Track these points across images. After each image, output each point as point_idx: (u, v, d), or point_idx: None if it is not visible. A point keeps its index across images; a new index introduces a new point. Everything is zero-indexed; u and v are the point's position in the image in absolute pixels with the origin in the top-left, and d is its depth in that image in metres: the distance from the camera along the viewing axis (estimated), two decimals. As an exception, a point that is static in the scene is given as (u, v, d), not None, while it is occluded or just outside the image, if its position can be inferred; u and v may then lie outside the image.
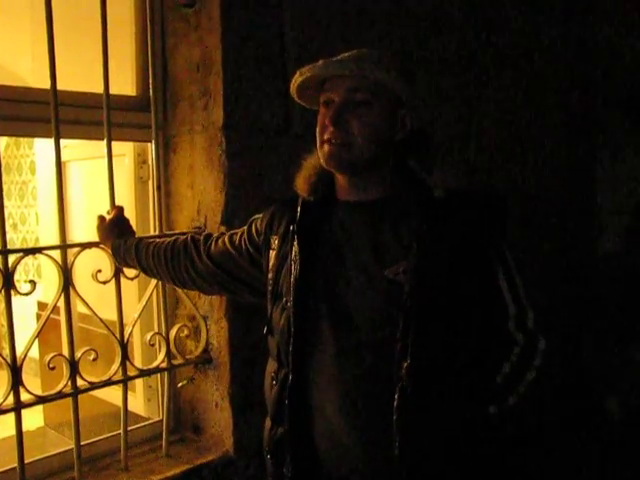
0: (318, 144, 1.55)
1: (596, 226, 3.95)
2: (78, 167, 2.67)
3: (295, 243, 1.58)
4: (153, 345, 2.23)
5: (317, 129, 1.55)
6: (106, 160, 2.07)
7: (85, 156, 2.65)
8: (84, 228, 2.63)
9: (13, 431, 1.92)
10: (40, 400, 1.96)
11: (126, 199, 2.32)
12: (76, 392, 2.00)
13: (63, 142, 2.09)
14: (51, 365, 1.98)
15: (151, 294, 2.21)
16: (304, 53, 2.39)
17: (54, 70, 1.94)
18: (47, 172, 3.07)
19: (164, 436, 2.26)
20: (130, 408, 2.33)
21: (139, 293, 2.35)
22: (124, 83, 2.28)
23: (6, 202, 1.95)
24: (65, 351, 2.04)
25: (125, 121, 2.23)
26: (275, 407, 1.62)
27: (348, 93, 1.48)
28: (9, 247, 1.86)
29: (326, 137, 1.50)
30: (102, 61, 2.04)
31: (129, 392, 2.19)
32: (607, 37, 3.73)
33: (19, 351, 1.88)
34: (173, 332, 2.25)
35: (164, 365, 2.23)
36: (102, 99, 2.08)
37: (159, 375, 2.33)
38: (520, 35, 3.43)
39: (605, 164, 3.89)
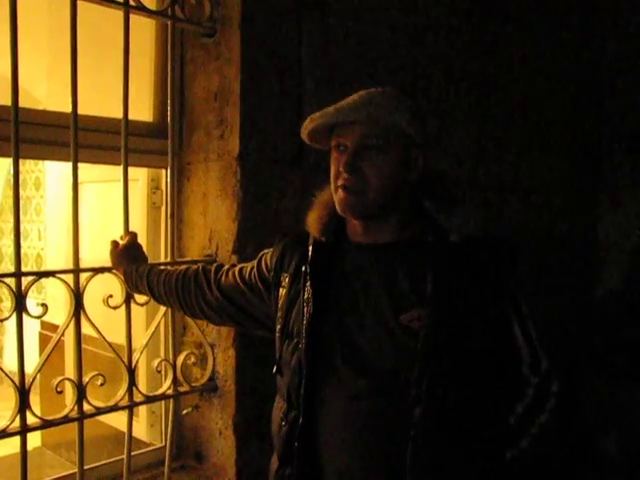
0: (332, 189, 1.55)
1: (596, 262, 3.97)
2: (89, 189, 2.68)
3: (308, 285, 1.57)
4: (160, 371, 2.23)
5: (331, 173, 1.55)
6: (121, 186, 2.08)
7: (97, 178, 2.66)
8: (93, 250, 2.64)
9: (11, 450, 1.91)
10: (46, 424, 1.95)
11: (138, 224, 2.33)
12: (82, 417, 1.99)
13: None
14: (59, 389, 1.98)
15: (160, 320, 2.21)
16: (320, 87, 2.42)
17: (75, 95, 1.96)
18: (57, 191, 3.08)
19: (166, 463, 2.25)
20: (132, 433, 2.33)
21: (146, 318, 2.35)
22: (141, 109, 2.31)
23: (9, 217, 1.96)
24: (70, 374, 2.04)
25: (141, 147, 2.25)
26: (284, 447, 1.60)
27: (361, 139, 1.48)
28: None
29: (340, 183, 1.50)
30: (122, 87, 2.05)
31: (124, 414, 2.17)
32: (613, 78, 3.77)
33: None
34: (180, 359, 2.25)
35: (170, 392, 2.22)
36: (119, 124, 2.09)
37: (163, 401, 2.33)
38: (530, 79, 3.47)
39: (608, 201, 3.92)
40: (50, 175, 3.43)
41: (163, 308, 2.21)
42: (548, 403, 1.50)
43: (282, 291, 1.67)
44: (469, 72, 3.09)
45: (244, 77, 2.20)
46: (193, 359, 2.30)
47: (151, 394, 2.20)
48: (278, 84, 2.31)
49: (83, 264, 2.04)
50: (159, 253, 2.36)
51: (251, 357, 2.25)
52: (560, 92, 3.69)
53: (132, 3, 2.06)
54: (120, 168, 2.10)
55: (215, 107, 2.27)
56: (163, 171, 2.37)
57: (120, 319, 2.12)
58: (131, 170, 2.22)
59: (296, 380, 1.56)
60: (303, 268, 1.61)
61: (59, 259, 2.92)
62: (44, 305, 1.96)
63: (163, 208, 2.38)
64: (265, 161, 2.28)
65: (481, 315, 1.48)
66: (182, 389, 2.25)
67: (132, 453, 2.20)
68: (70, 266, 2.00)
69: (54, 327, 2.04)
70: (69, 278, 1.98)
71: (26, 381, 1.88)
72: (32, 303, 1.88)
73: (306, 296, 1.57)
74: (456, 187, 1.65)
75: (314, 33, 2.40)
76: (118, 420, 2.24)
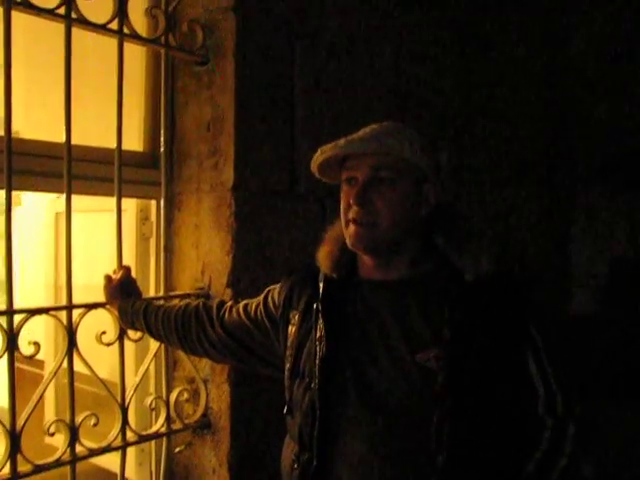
0: (343, 223, 1.51)
1: (568, 288, 4.02)
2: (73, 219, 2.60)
3: (320, 323, 1.53)
4: (153, 409, 2.16)
5: (341, 207, 1.52)
6: (108, 217, 2.04)
7: (80, 208, 2.58)
8: (76, 283, 2.55)
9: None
10: (37, 469, 1.86)
11: (126, 256, 2.24)
12: (75, 459, 1.91)
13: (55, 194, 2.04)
14: (51, 431, 1.89)
15: (153, 356, 2.14)
16: (311, 116, 2.40)
17: (69, 125, 1.90)
18: (31, 219, 2.98)
19: (159, 505, 2.18)
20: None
21: (135, 354, 2.27)
22: (130, 138, 2.24)
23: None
24: (50, 412, 1.95)
25: (130, 177, 2.18)
26: None
27: (372, 171, 1.46)
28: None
29: (351, 217, 1.47)
30: (116, 117, 2.01)
31: (117, 454, 2.09)
32: (586, 108, 3.84)
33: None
34: (173, 396, 2.18)
35: (163, 430, 2.15)
36: (107, 154, 2.05)
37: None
38: (504, 114, 3.51)
39: (579, 227, 3.98)
40: (27, 210, 3.31)
41: (155, 344, 2.14)
42: (566, 447, 1.47)
43: (291, 329, 1.63)
44: (451, 101, 3.10)
45: (239, 106, 2.16)
46: (186, 395, 2.23)
47: (144, 433, 2.13)
48: (271, 113, 2.28)
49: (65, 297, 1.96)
50: (148, 286, 2.29)
51: (246, 393, 2.20)
52: (535, 121, 3.75)
53: (126, 31, 2.01)
54: (104, 198, 2.05)
55: (208, 137, 2.23)
56: (152, 201, 2.31)
57: (108, 354, 2.05)
58: (124, 200, 2.17)
59: (309, 421, 1.51)
60: (314, 305, 1.57)
61: (40, 297, 2.80)
62: (36, 344, 1.87)
63: (152, 240, 2.31)
64: (259, 192, 2.24)
65: (498, 354, 1.44)
66: (175, 426, 2.18)
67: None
68: (52, 299, 1.93)
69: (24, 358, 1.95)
70: (61, 314, 1.91)
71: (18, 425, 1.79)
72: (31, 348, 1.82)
73: (318, 334, 1.53)
74: (467, 222, 1.61)
75: (306, 63, 2.38)
76: (105, 458, 2.15)
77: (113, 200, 2.08)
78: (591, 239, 3.89)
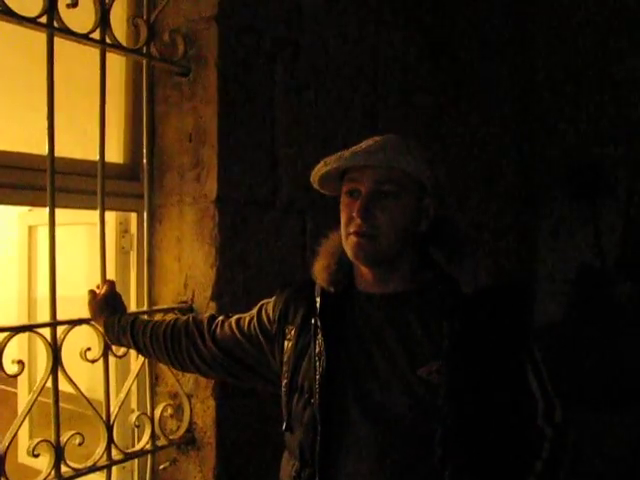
0: (343, 235, 1.50)
1: (535, 296, 4.08)
2: (45, 233, 2.53)
3: (319, 338, 1.51)
4: (138, 426, 2.11)
5: (342, 219, 1.51)
6: (93, 231, 1.99)
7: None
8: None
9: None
10: (23, 491, 1.81)
11: (100, 263, 2.20)
12: (60, 481, 1.86)
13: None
14: (36, 452, 1.83)
15: (137, 372, 2.10)
16: (292, 126, 2.39)
17: (52, 137, 1.86)
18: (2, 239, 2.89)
19: (144, 524, 2.13)
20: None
21: (116, 369, 2.22)
22: (110, 150, 2.19)
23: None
24: (25, 430, 1.88)
25: (110, 189, 2.13)
26: None
27: (375, 185, 1.45)
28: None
29: (353, 230, 1.46)
30: (99, 129, 1.97)
31: (100, 473, 2.03)
32: (552, 119, 3.92)
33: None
34: (158, 412, 2.14)
35: (149, 447, 2.10)
36: (87, 166, 2.01)
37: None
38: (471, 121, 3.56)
39: (545, 234, 4.05)
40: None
41: (136, 360, 2.10)
42: (565, 457, 1.49)
43: (287, 344, 1.61)
44: (424, 113, 3.13)
45: (222, 117, 2.14)
46: (170, 411, 2.19)
47: (129, 450, 2.08)
48: (252, 124, 2.26)
49: (41, 313, 1.91)
50: (129, 300, 2.23)
51: (232, 408, 2.17)
52: (503, 132, 3.80)
53: (108, 41, 1.97)
54: (78, 211, 2.00)
55: (189, 148, 2.20)
56: (132, 214, 2.26)
57: (85, 370, 2.00)
58: (96, 213, 2.12)
59: (310, 437, 1.49)
60: (312, 320, 1.55)
61: (7, 306, 2.72)
62: (20, 362, 1.82)
63: (132, 253, 2.27)
64: (241, 204, 2.22)
65: (498, 366, 1.45)
66: (160, 443, 2.14)
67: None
68: (25, 315, 1.88)
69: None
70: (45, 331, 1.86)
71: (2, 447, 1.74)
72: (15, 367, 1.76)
73: (317, 350, 1.51)
74: (463, 235, 1.62)
75: (286, 73, 2.37)
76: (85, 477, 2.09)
77: (88, 213, 2.03)
78: (557, 246, 3.96)
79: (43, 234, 2.52)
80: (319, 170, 1.52)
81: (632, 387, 3.66)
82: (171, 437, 2.17)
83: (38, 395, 1.84)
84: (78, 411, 2.42)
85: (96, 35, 1.94)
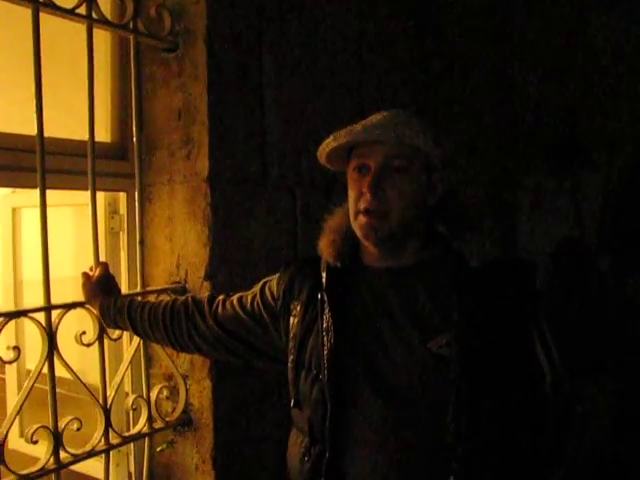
0: (352, 214, 1.48)
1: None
2: (29, 214, 2.47)
3: (327, 313, 1.50)
4: (135, 409, 2.08)
5: (350, 196, 1.49)
6: (89, 212, 1.94)
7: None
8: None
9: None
10: (21, 479, 1.77)
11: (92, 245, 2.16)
12: (59, 467, 1.83)
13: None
14: (34, 439, 1.80)
15: (132, 355, 2.07)
16: (281, 101, 2.35)
17: (41, 118, 1.81)
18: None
19: (143, 506, 2.12)
20: (95, 473, 2.17)
21: (109, 352, 2.18)
22: (97, 129, 2.15)
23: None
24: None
25: (99, 169, 2.08)
26: None
27: (385, 160, 1.44)
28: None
29: (363, 206, 1.44)
30: (87, 107, 1.91)
31: (98, 457, 2.01)
32: (533, 89, 3.92)
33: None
34: (154, 394, 2.11)
35: (145, 430, 2.08)
36: (75, 146, 1.97)
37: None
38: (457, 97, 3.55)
39: (525, 207, 4.06)
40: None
41: (133, 342, 2.07)
42: (574, 426, 1.50)
43: (293, 320, 1.59)
44: (408, 86, 3.11)
45: (212, 94, 2.10)
46: (166, 393, 2.17)
47: (126, 434, 2.05)
48: (243, 99, 2.22)
49: (28, 297, 1.86)
50: (120, 282, 2.18)
51: (228, 387, 2.15)
52: (485, 101, 3.79)
53: (95, 16, 1.91)
54: (63, 192, 1.95)
55: (179, 126, 2.15)
56: (121, 194, 2.22)
57: (79, 354, 1.97)
58: (85, 193, 2.07)
59: (319, 413, 1.48)
60: (319, 296, 1.54)
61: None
62: (16, 348, 1.78)
63: (122, 234, 2.23)
64: (233, 181, 2.19)
65: (507, 338, 1.45)
66: (156, 425, 2.11)
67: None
68: (11, 299, 1.84)
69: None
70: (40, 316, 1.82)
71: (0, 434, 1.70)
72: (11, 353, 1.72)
73: (325, 325, 1.50)
74: (469, 209, 1.61)
75: (275, 47, 2.33)
76: (86, 464, 2.06)
77: (75, 194, 1.99)
78: (538, 219, 3.98)
79: (27, 216, 2.47)
80: (328, 145, 1.50)
81: (611, 355, 3.71)
82: (167, 419, 2.14)
83: (35, 382, 1.80)
84: (68, 394, 2.39)
85: (82, 10, 1.88)
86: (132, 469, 2.23)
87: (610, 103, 3.73)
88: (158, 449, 2.19)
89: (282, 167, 2.37)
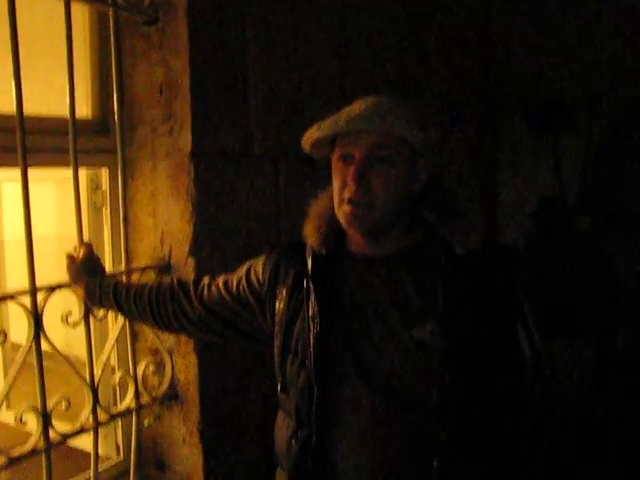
0: (336, 203, 1.48)
1: (497, 228, 4.13)
2: (10, 188, 2.44)
3: (312, 300, 1.51)
4: (122, 386, 2.10)
5: (335, 185, 1.48)
6: (72, 191, 1.91)
7: (17, 177, 2.42)
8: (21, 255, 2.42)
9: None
10: (11, 461, 1.79)
11: (76, 227, 2.14)
12: (49, 447, 1.85)
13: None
14: (23, 419, 1.81)
15: (118, 332, 2.07)
16: (263, 76, 2.32)
17: (20, 93, 1.76)
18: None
19: (131, 477, 2.15)
20: (83, 447, 2.19)
21: (94, 330, 2.18)
22: (78, 105, 2.11)
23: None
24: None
25: (80, 146, 2.05)
26: (295, 467, 1.53)
27: (370, 149, 1.42)
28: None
29: (347, 196, 1.43)
30: (68, 83, 1.87)
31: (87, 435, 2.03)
32: (511, 55, 3.90)
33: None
34: (140, 370, 2.13)
35: (133, 405, 2.10)
36: (55, 122, 1.94)
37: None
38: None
39: (506, 167, 4.07)
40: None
41: (119, 320, 2.07)
42: (554, 412, 1.53)
43: (279, 305, 1.60)
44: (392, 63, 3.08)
45: (194, 68, 2.06)
46: (152, 368, 2.18)
47: (114, 411, 2.07)
48: (225, 73, 2.19)
49: (10, 276, 1.85)
50: (103, 257, 2.18)
51: (213, 361, 2.17)
52: (465, 65, 3.76)
53: (73, -9, 1.86)
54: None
55: (161, 101, 2.12)
56: (103, 169, 2.19)
57: (62, 328, 1.96)
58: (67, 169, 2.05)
59: (306, 399, 1.50)
60: (304, 282, 1.55)
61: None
62: (3, 332, 1.78)
63: (104, 209, 2.21)
64: (216, 156, 2.16)
65: (491, 325, 1.46)
66: (143, 400, 2.14)
67: (91, 469, 2.05)
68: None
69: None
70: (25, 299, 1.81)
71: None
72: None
73: (311, 312, 1.51)
74: (454, 196, 1.61)
75: (258, 20, 2.28)
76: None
77: (63, 169, 1.95)
78: (518, 177, 3.99)
79: (7, 190, 2.44)
80: (311, 135, 1.49)
81: (585, 314, 3.79)
82: (154, 394, 2.17)
83: (22, 364, 1.80)
84: (53, 367, 2.40)
85: (59, -16, 1.83)
86: (120, 442, 2.26)
87: (591, 65, 3.71)
88: (145, 423, 2.21)
89: (265, 140, 2.35)
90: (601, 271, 3.87)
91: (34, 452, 1.82)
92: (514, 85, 3.94)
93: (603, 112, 3.77)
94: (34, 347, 1.81)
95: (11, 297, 1.78)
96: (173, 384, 2.20)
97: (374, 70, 2.92)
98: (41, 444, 1.83)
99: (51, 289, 1.86)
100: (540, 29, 3.80)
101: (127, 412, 2.10)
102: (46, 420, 1.83)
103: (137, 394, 2.11)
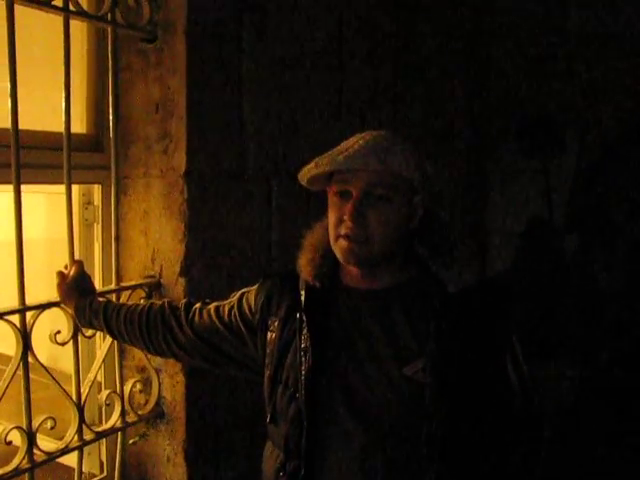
0: (332, 237, 1.49)
1: (483, 247, 4.15)
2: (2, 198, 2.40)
3: (305, 333, 1.51)
4: (109, 405, 2.09)
5: (330, 220, 1.49)
6: (65, 208, 1.90)
7: (6, 189, 2.40)
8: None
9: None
10: (-5, 479, 1.78)
11: (67, 242, 2.13)
12: (33, 466, 1.83)
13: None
14: (8, 439, 1.80)
15: (107, 351, 2.06)
16: (259, 93, 2.32)
17: (15, 109, 1.75)
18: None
19: (115, 497, 2.14)
20: (67, 462, 2.18)
21: (81, 347, 2.16)
22: (72, 120, 2.09)
23: None
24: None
25: (73, 162, 2.03)
26: None
27: (367, 187, 1.43)
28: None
29: (344, 232, 1.44)
30: (64, 99, 1.87)
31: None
32: (502, 73, 3.92)
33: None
34: (127, 389, 2.12)
35: (119, 424, 2.09)
36: (49, 138, 1.94)
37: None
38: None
39: (495, 187, 4.09)
40: None
41: (107, 339, 2.06)
42: (541, 448, 1.55)
43: (271, 336, 1.60)
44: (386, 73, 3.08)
45: (191, 87, 2.06)
46: (139, 386, 2.17)
47: (100, 429, 2.06)
48: (222, 92, 2.18)
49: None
50: (94, 274, 2.17)
51: (201, 381, 2.17)
52: (456, 86, 3.78)
53: (72, 8, 1.85)
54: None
55: (156, 119, 2.11)
56: (95, 186, 2.18)
57: (50, 344, 1.95)
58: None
59: (296, 432, 1.50)
60: (297, 315, 1.55)
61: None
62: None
63: (96, 225, 2.20)
64: (209, 176, 2.16)
65: (481, 364, 1.47)
66: (129, 419, 2.13)
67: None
68: None
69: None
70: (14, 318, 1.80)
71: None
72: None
73: (303, 345, 1.51)
74: (449, 232, 1.61)
75: (255, 40, 2.28)
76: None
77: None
78: (507, 198, 4.01)
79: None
80: (309, 171, 1.49)
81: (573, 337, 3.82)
82: (140, 412, 2.15)
83: (9, 383, 1.79)
84: (40, 380, 2.38)
85: (59, 2, 1.82)
86: (104, 459, 2.25)
87: (583, 84, 3.74)
88: (130, 441, 2.20)
89: (259, 159, 2.35)
90: (588, 291, 3.91)
91: (18, 471, 1.80)
92: (502, 105, 3.97)
93: (594, 131, 3.80)
94: (22, 365, 1.79)
95: (1, 316, 1.76)
96: (159, 403, 2.19)
97: (369, 89, 2.92)
98: (25, 463, 1.81)
99: (41, 307, 1.85)
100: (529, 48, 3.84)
101: (113, 431, 2.08)
102: (31, 440, 1.82)
103: (123, 413, 2.10)
